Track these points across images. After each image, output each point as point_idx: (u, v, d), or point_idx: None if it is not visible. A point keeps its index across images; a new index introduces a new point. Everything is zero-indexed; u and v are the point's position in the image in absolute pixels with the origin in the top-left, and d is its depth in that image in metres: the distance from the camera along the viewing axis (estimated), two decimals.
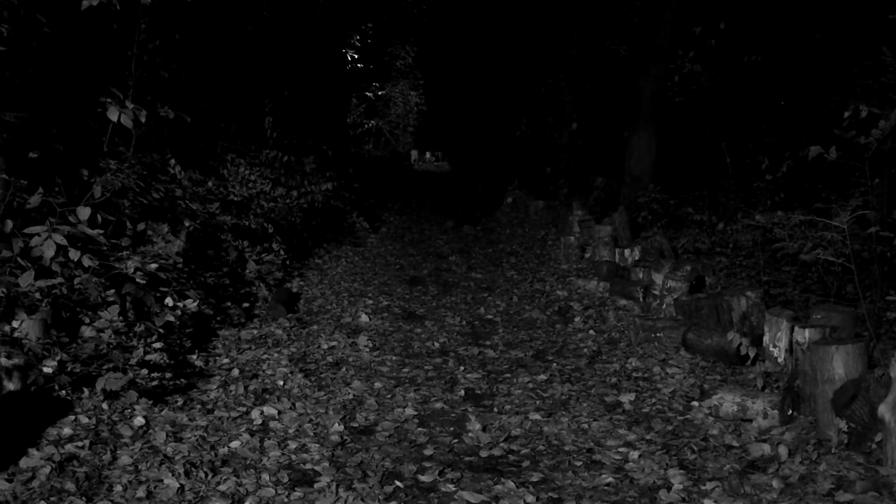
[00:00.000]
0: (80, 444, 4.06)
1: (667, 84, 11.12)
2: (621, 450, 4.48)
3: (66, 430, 4.20)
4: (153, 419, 4.57)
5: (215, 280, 7.58)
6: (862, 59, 7.53)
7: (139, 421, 4.48)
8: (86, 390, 4.60)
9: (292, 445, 4.46)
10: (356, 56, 27.99)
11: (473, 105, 24.70)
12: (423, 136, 40.34)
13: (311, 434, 4.67)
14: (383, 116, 38.70)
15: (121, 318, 5.07)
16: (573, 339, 7.08)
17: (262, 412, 4.90)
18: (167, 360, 5.32)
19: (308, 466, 4.19)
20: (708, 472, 4.13)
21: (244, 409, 4.98)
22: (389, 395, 5.50)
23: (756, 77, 10.51)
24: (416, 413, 5.14)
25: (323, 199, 11.66)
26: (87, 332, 4.97)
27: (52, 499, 3.52)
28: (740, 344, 5.78)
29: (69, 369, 4.60)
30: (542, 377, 5.92)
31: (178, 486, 3.76)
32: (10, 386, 4.24)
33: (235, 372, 5.71)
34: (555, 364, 6.29)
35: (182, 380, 5.31)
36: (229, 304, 7.35)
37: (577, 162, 16.26)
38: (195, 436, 4.42)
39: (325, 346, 6.66)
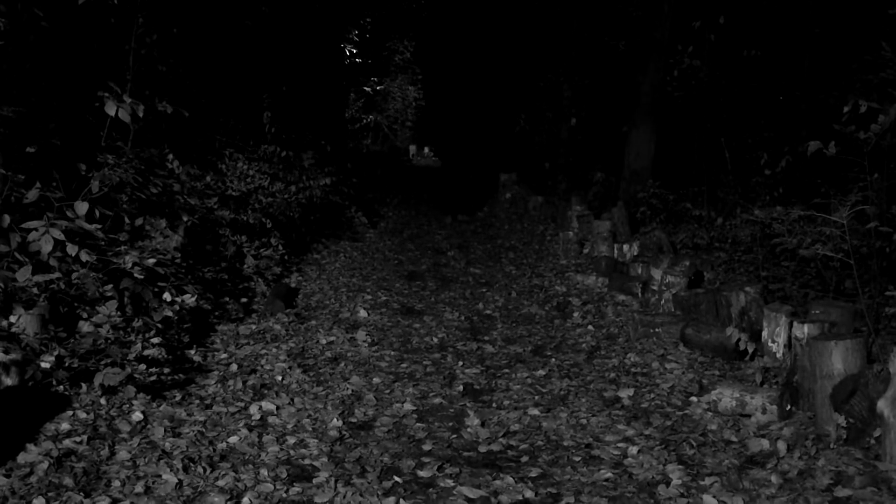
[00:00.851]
0: (78, 439, 4.06)
1: (666, 79, 11.12)
2: (620, 445, 4.48)
3: (64, 426, 4.19)
4: (151, 414, 4.56)
5: (213, 275, 7.57)
6: (861, 55, 7.52)
7: (137, 416, 4.47)
8: (84, 385, 4.60)
9: (291, 441, 4.46)
10: (354, 51, 27.96)
11: (472, 100, 24.67)
12: (421, 131, 40.31)
13: (310, 429, 4.67)
14: (382, 111, 38.65)
15: (119, 313, 5.06)
16: (572, 335, 7.08)
17: (260, 407, 4.90)
18: (165, 356, 5.31)
19: (306, 462, 4.18)
20: (707, 467, 4.13)
21: (242, 404, 4.97)
22: (388, 391, 5.50)
23: (755, 72, 10.50)
24: (414, 408, 5.14)
25: (321, 193, 11.64)
26: (84, 327, 4.96)
27: (50, 494, 3.51)
28: (739, 339, 5.79)
29: (67, 364, 4.59)
30: (541, 372, 5.92)
31: (177, 481, 3.76)
32: (8, 381, 4.23)
33: (234, 367, 5.70)
34: (553, 359, 6.29)
35: (180, 375, 5.31)
36: (227, 299, 7.34)
37: (576, 157, 16.25)
38: (193, 431, 4.42)
39: (324, 342, 6.66)
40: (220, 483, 3.81)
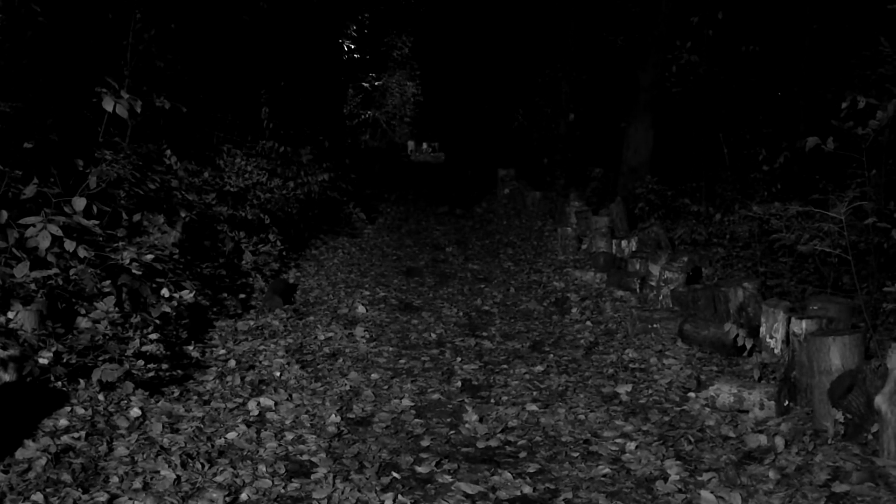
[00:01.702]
0: (76, 435, 4.06)
1: (664, 74, 11.13)
2: (618, 441, 4.48)
3: (63, 422, 4.19)
4: (149, 410, 4.56)
5: (212, 271, 7.57)
6: (860, 50, 7.51)
7: (135, 412, 4.47)
8: (82, 381, 4.60)
9: (289, 436, 4.46)
10: (353, 46, 27.93)
11: (470, 96, 24.65)
12: (419, 126, 40.24)
13: (308, 425, 4.67)
14: (380, 107, 38.58)
15: (117, 309, 5.06)
16: (570, 331, 7.08)
17: (258, 403, 4.90)
18: (163, 351, 5.31)
19: (305, 457, 4.18)
20: (704, 462, 4.14)
21: (241, 400, 4.97)
22: (386, 387, 5.50)
23: (754, 67, 10.49)
24: (412, 404, 5.14)
25: (319, 189, 11.64)
26: (82, 323, 4.96)
27: (48, 490, 3.51)
28: (737, 335, 5.79)
29: (65, 360, 4.59)
30: (539, 368, 5.92)
31: (175, 477, 3.76)
32: (6, 377, 4.23)
33: (232, 363, 5.70)
34: (552, 355, 6.30)
35: (178, 371, 5.30)
36: (226, 295, 7.34)
37: (575, 153, 16.24)
38: (191, 427, 4.42)
39: (322, 337, 6.66)
40: (219, 479, 3.81)
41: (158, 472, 3.80)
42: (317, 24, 16.80)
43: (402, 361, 6.16)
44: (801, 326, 5.16)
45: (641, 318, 6.72)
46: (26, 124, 6.11)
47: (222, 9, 11.05)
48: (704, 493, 3.75)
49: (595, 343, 6.62)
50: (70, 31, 7.15)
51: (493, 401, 5.24)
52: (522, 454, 4.34)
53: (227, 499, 3.63)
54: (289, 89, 14.39)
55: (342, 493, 3.75)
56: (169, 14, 8.43)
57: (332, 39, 20.86)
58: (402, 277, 9.61)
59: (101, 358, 4.67)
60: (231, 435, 4.38)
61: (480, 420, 4.83)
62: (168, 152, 7.65)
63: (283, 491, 3.77)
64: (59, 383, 4.51)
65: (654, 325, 6.56)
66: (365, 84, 34.65)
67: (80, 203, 5.14)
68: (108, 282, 5.32)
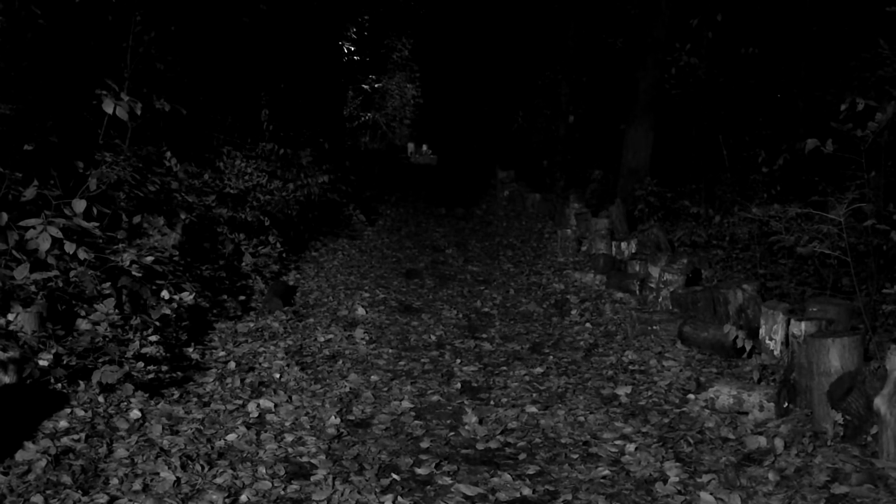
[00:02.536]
0: (76, 437, 4.06)
1: (664, 76, 11.13)
2: (617, 442, 4.49)
3: (62, 423, 4.19)
4: (149, 412, 4.57)
5: (211, 273, 7.57)
6: (859, 52, 7.52)
7: (135, 414, 4.48)
8: (82, 383, 4.60)
9: (289, 438, 4.46)
10: (352, 48, 27.94)
11: (470, 98, 24.66)
12: (419, 128, 40.25)
13: (308, 427, 4.67)
14: (380, 109, 38.60)
15: (117, 310, 5.06)
16: (570, 332, 7.08)
17: (258, 405, 4.90)
18: (163, 353, 5.31)
19: (304, 459, 4.19)
20: (704, 464, 4.14)
21: (240, 401, 4.97)
22: (386, 388, 5.50)
23: (753, 69, 10.50)
24: (412, 406, 5.14)
25: (319, 191, 11.63)
26: (82, 324, 4.96)
27: (48, 492, 3.51)
28: (736, 337, 5.79)
29: (65, 362, 4.59)
30: (539, 370, 5.93)
31: (175, 478, 3.76)
32: (6, 379, 4.23)
33: (232, 365, 5.70)
34: (551, 357, 6.30)
35: (178, 373, 5.31)
36: (226, 296, 7.34)
37: (574, 155, 16.25)
38: (191, 429, 4.42)
39: (322, 339, 6.66)
40: (218, 481, 3.82)
41: (158, 473, 3.80)
42: (316, 26, 16.80)
43: (402, 363, 6.16)
44: (800, 328, 5.17)
45: (641, 319, 6.73)
46: (26, 126, 6.12)
47: (222, 11, 11.06)
48: (704, 495, 3.76)
49: (595, 345, 6.62)
50: (70, 33, 7.16)
51: (492, 402, 5.24)
52: (522, 456, 4.34)
53: (227, 500, 3.63)
54: (289, 91, 14.40)
55: (342, 494, 3.75)
56: (169, 16, 8.44)
57: (331, 41, 20.87)
58: (401, 279, 9.61)
59: (100, 360, 4.67)
60: (231, 437, 4.38)
61: (480, 422, 4.83)
62: (168, 154, 7.65)
63: (282, 493, 3.77)
64: (59, 385, 4.51)
65: (654, 327, 6.57)
66: (365, 86, 34.67)
67: (80, 205, 5.14)
68: (108, 284, 5.32)
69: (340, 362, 6.05)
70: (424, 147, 40.10)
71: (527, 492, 3.86)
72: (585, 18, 15.87)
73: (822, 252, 5.92)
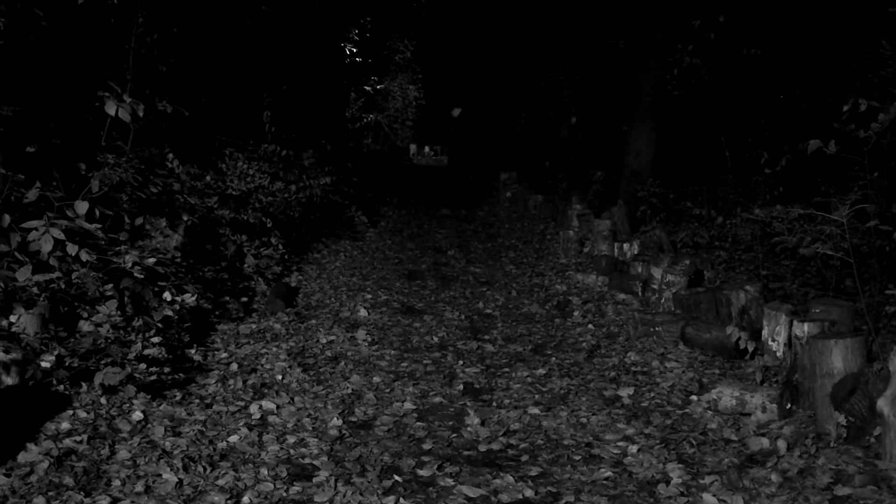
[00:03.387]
0: (78, 438, 4.06)
1: (666, 77, 11.12)
2: (620, 444, 4.48)
3: (65, 425, 4.19)
4: (151, 414, 4.57)
5: (214, 274, 7.57)
6: (861, 53, 7.51)
7: (137, 415, 4.48)
8: (84, 385, 4.60)
9: (291, 440, 4.46)
10: (355, 50, 27.95)
11: (472, 99, 24.67)
12: (422, 130, 40.29)
13: (310, 428, 4.67)
14: (382, 110, 38.63)
15: (119, 312, 5.06)
16: (572, 334, 7.08)
17: (260, 406, 4.90)
18: (165, 355, 5.31)
19: (307, 461, 4.18)
20: (707, 466, 4.14)
21: (243, 403, 4.97)
22: (388, 390, 5.50)
23: (755, 71, 10.49)
24: (414, 407, 5.14)
25: (321, 193, 11.64)
26: (85, 326, 4.96)
27: (50, 493, 3.51)
28: (739, 338, 5.78)
29: (67, 364, 4.59)
30: (541, 371, 5.92)
31: (177, 480, 3.76)
32: (8, 381, 4.23)
33: (234, 366, 5.70)
34: (553, 358, 6.29)
35: (180, 374, 5.31)
36: (228, 298, 7.34)
37: (576, 156, 16.25)
38: (194, 430, 4.42)
39: (324, 341, 6.66)
40: (221, 482, 3.82)
41: (160, 475, 3.80)
42: (319, 27, 16.82)
43: (404, 364, 6.16)
44: (803, 329, 5.16)
45: (643, 321, 6.72)
46: (29, 128, 6.12)
47: (224, 13, 11.07)
48: (706, 497, 3.75)
49: (597, 346, 6.61)
50: (72, 35, 7.16)
51: (494, 404, 5.24)
52: (524, 457, 4.34)
53: (229, 502, 3.63)
54: (291, 93, 14.41)
55: (344, 496, 3.75)
56: (171, 18, 8.44)
57: (334, 43, 20.89)
58: (403, 280, 9.61)
59: (103, 361, 4.67)
60: (233, 438, 4.38)
61: (482, 423, 4.83)
62: (170, 156, 7.66)
63: (284, 494, 3.77)
64: (62, 387, 4.51)
65: (656, 329, 6.56)
66: (367, 88, 34.70)
67: (82, 207, 5.14)
68: (111, 285, 5.32)
69: (342, 364, 6.05)
70: (426, 148, 40.15)
71: (529, 493, 3.86)
72: (588, 20, 15.86)
73: (825, 253, 5.91)
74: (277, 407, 4.94)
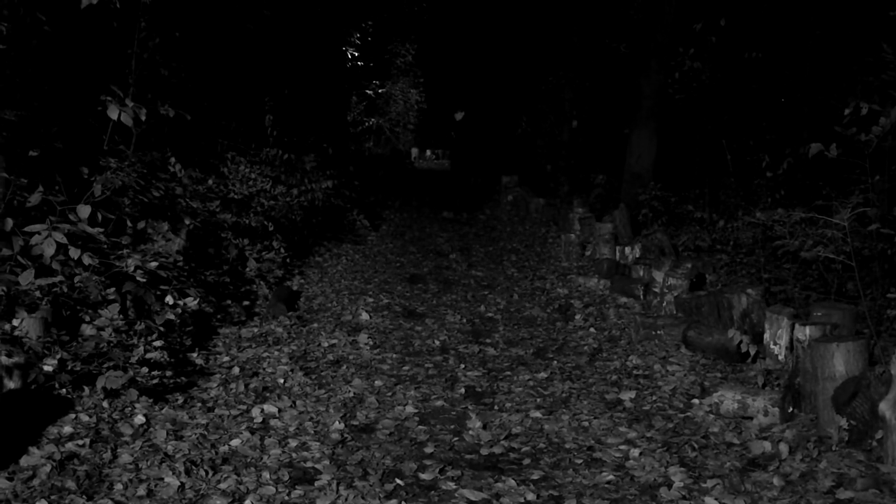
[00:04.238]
0: (80, 442, 4.07)
1: (667, 81, 11.11)
2: (622, 447, 4.48)
3: (67, 429, 4.20)
4: (154, 417, 4.57)
5: (216, 278, 7.58)
6: (862, 57, 7.52)
7: (140, 419, 4.48)
8: (86, 389, 4.60)
9: (293, 443, 4.46)
10: (356, 54, 27.99)
11: (474, 103, 24.68)
12: (423, 133, 40.30)
13: (312, 432, 4.67)
14: (384, 114, 38.67)
15: (121, 316, 5.07)
16: (574, 337, 7.08)
17: (262, 410, 4.90)
18: (167, 359, 5.32)
19: (308, 464, 4.19)
20: (708, 469, 4.13)
21: (245, 407, 4.98)
22: (390, 393, 5.50)
23: (757, 74, 10.50)
24: (416, 411, 5.14)
25: (323, 197, 11.65)
26: (87, 330, 4.97)
27: (52, 497, 3.52)
28: (741, 341, 5.78)
29: (69, 368, 4.60)
30: (543, 375, 5.92)
31: (179, 484, 3.77)
32: (11, 384, 4.24)
33: (236, 370, 5.71)
34: (555, 362, 6.29)
35: (182, 378, 5.31)
36: (230, 302, 7.34)
37: (578, 159, 16.24)
38: (196, 434, 4.42)
39: (326, 344, 6.66)
40: (223, 486, 3.82)
41: (162, 479, 3.80)
42: (320, 32, 16.85)
43: (406, 368, 6.16)
44: (804, 333, 5.15)
45: (645, 324, 6.72)
46: (31, 132, 6.14)
47: (226, 17, 11.10)
48: (708, 500, 3.75)
49: (599, 349, 6.62)
50: (75, 39, 7.18)
51: (496, 407, 5.24)
52: (526, 461, 4.34)
53: None
54: (293, 97, 14.43)
55: (346, 500, 3.75)
56: (173, 22, 8.46)
57: (335, 47, 20.92)
58: (405, 284, 9.61)
59: (105, 365, 4.67)
60: (235, 442, 4.38)
61: (484, 427, 4.83)
62: (172, 160, 7.67)
63: (286, 498, 3.77)
64: (64, 390, 4.52)
65: (658, 332, 6.56)
66: (369, 91, 34.75)
67: (84, 211, 5.15)
68: (113, 289, 5.33)
69: (344, 367, 6.05)
70: (428, 152, 40.16)
71: (531, 497, 3.86)
72: (589, 23, 15.88)
73: (827, 256, 5.91)
74: (279, 410, 4.94)
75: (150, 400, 4.74)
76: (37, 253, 4.83)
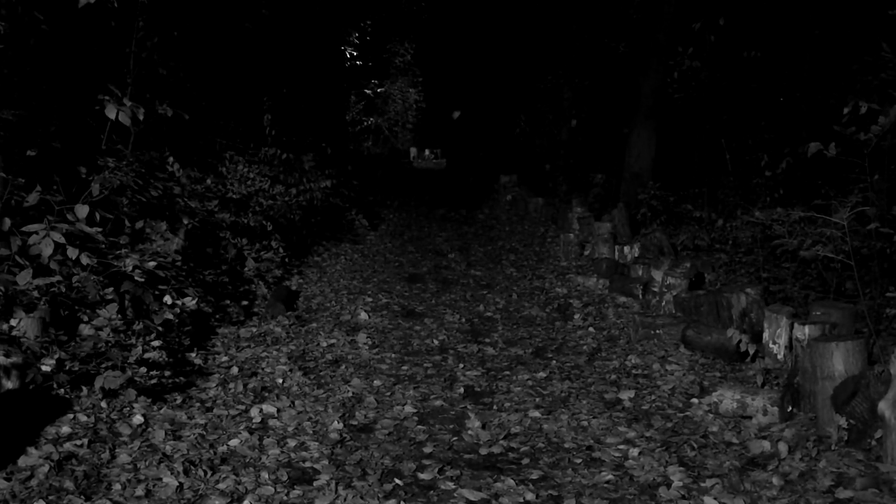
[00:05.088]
0: (78, 442, 4.06)
1: (666, 80, 11.11)
2: (621, 447, 4.48)
3: (65, 429, 4.19)
4: (152, 417, 4.57)
5: (214, 278, 7.57)
6: (861, 56, 7.51)
7: (138, 419, 4.47)
8: (84, 389, 4.60)
9: (291, 443, 4.45)
10: (355, 53, 27.99)
11: (473, 102, 24.68)
12: (422, 133, 40.32)
13: (311, 432, 4.67)
14: (382, 114, 38.69)
15: (119, 316, 5.06)
16: (573, 337, 7.07)
17: (261, 410, 4.90)
18: (166, 359, 5.31)
19: (307, 464, 4.18)
20: (708, 469, 4.13)
21: (243, 407, 4.97)
22: (389, 393, 5.50)
23: (755, 73, 10.49)
24: (415, 411, 5.13)
25: (322, 196, 11.64)
26: (85, 330, 4.97)
27: (50, 497, 3.51)
28: (740, 341, 5.78)
29: (68, 368, 4.59)
30: (542, 374, 5.92)
31: (177, 484, 3.76)
32: (9, 384, 4.23)
33: (234, 370, 5.70)
34: (554, 361, 6.29)
35: (181, 378, 5.31)
36: (228, 302, 7.34)
37: (577, 159, 16.24)
38: (194, 434, 4.42)
39: (325, 344, 6.66)
40: (221, 486, 3.81)
41: (161, 479, 3.80)
42: (319, 31, 16.84)
43: (405, 368, 6.15)
44: (804, 332, 5.15)
45: (644, 323, 6.72)
46: (29, 132, 6.12)
47: (224, 16, 11.08)
48: (708, 500, 3.75)
49: (598, 349, 6.61)
50: (73, 38, 7.17)
51: (495, 407, 5.23)
52: (525, 461, 4.33)
53: None
54: (291, 96, 14.42)
55: (345, 499, 3.75)
56: (171, 22, 8.45)
57: (334, 46, 20.92)
58: (404, 284, 9.61)
59: (103, 365, 4.67)
60: (233, 442, 4.38)
61: (483, 426, 4.83)
62: (171, 159, 7.66)
63: (285, 498, 3.76)
64: (62, 390, 4.51)
65: (657, 331, 6.56)
66: (367, 91, 34.75)
67: (82, 210, 5.14)
68: (111, 289, 5.32)
69: (343, 367, 6.05)
70: (427, 151, 40.17)
71: (530, 497, 3.85)
72: (588, 22, 15.87)
73: (826, 256, 5.91)
74: (278, 410, 4.94)
75: (149, 400, 4.74)
76: (35, 253, 4.83)
